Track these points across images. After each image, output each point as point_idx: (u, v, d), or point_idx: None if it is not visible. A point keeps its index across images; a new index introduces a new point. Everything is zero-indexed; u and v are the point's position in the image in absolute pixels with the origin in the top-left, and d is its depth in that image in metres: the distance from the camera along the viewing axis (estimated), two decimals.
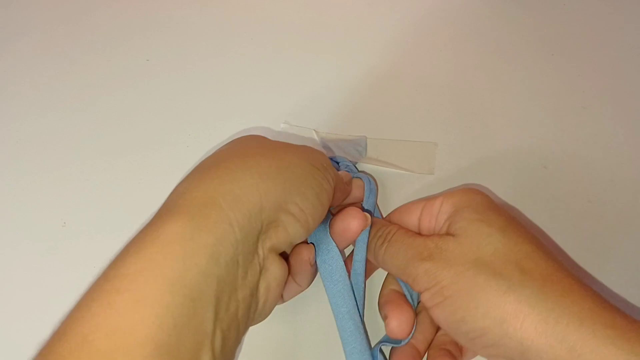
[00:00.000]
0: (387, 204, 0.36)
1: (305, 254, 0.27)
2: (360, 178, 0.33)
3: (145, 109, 0.42)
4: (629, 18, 0.49)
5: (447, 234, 0.27)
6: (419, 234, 0.29)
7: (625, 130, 0.40)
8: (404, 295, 0.29)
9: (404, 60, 0.45)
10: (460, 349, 0.28)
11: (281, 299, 0.29)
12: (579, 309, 0.22)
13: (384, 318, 0.28)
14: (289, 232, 0.25)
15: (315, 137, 0.39)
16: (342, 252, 0.29)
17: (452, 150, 0.39)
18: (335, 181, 0.28)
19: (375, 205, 0.33)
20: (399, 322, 0.27)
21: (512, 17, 0.49)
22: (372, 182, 0.34)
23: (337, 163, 0.37)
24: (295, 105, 0.42)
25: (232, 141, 0.28)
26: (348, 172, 0.35)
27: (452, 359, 0.27)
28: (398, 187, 0.37)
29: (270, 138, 0.29)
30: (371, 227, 0.30)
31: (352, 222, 0.29)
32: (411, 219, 0.30)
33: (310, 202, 0.25)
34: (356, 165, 0.38)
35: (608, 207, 0.35)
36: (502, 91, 0.43)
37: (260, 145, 0.27)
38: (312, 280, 0.30)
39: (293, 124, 0.41)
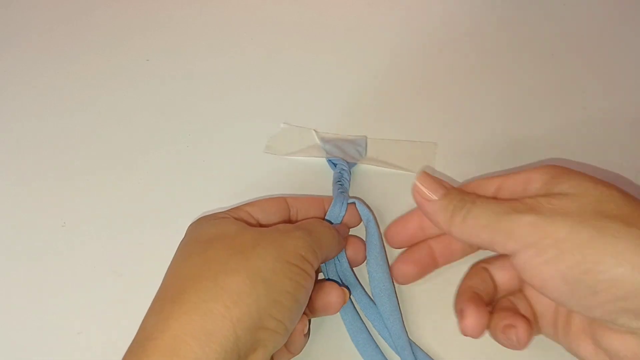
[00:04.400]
0: (387, 205, 0.36)
1: (299, 326, 0.26)
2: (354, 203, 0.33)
3: (145, 109, 0.42)
4: (629, 18, 0.49)
5: (551, 194, 0.24)
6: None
7: (625, 131, 0.40)
8: (482, 297, 0.27)
9: (404, 60, 0.45)
10: (529, 320, 0.26)
11: None
12: None
13: (459, 312, 0.26)
14: (268, 348, 0.23)
15: (315, 137, 0.39)
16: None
17: (452, 150, 0.39)
18: (320, 255, 0.27)
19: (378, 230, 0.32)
20: (474, 323, 0.25)
21: (512, 17, 0.49)
22: (365, 209, 0.32)
23: (335, 165, 0.37)
24: (295, 105, 0.42)
25: (190, 242, 0.26)
26: (340, 179, 0.35)
27: (527, 324, 0.25)
28: (398, 187, 0.37)
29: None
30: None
31: (331, 297, 0.28)
32: (486, 192, 0.27)
33: (288, 309, 0.24)
34: (354, 167, 0.38)
35: None
36: (502, 91, 0.43)
37: (226, 246, 0.25)
38: (304, 346, 0.28)
39: (293, 124, 0.41)
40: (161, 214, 0.36)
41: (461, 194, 0.27)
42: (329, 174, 0.37)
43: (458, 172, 0.37)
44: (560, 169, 0.26)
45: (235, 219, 0.28)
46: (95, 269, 0.33)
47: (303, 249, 0.25)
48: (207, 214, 0.29)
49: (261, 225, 0.29)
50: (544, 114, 0.41)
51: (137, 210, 0.36)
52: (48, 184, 0.38)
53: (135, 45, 0.47)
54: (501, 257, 0.29)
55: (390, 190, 0.36)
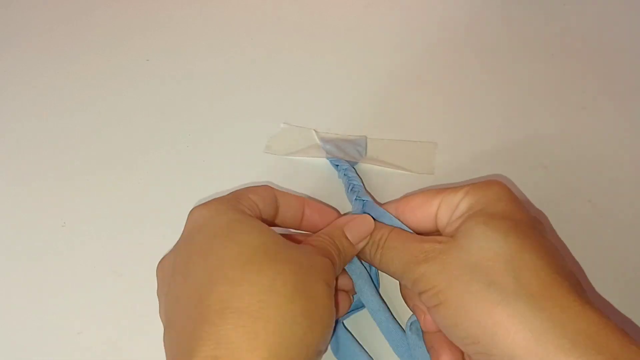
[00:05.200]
0: None
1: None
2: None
3: (145, 109, 0.42)
4: (629, 18, 0.49)
5: (450, 234, 0.26)
6: (417, 234, 0.28)
7: (625, 130, 0.40)
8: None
9: (404, 60, 0.46)
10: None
11: None
12: (573, 330, 0.21)
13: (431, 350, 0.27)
14: None
15: (315, 137, 0.39)
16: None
17: (452, 150, 0.39)
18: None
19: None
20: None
21: (512, 17, 0.49)
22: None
23: (337, 166, 0.37)
24: (295, 105, 0.42)
25: (223, 252, 0.24)
26: (346, 178, 0.35)
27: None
28: (398, 187, 0.37)
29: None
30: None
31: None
32: (430, 210, 0.29)
33: (324, 339, 0.24)
34: (355, 167, 0.37)
35: (608, 207, 0.35)
36: (502, 91, 0.43)
37: (262, 285, 0.22)
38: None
39: (293, 124, 0.41)
40: (161, 214, 0.36)
41: (373, 235, 0.29)
42: (330, 174, 0.37)
43: (458, 172, 0.37)
44: (484, 201, 0.26)
45: (245, 212, 0.26)
46: (95, 269, 0.33)
47: (326, 269, 0.25)
48: (203, 201, 0.27)
49: (263, 219, 0.28)
50: (544, 114, 0.41)
51: (137, 210, 0.36)
52: (48, 184, 0.37)
53: (135, 45, 0.47)
54: None
55: (390, 190, 0.36)
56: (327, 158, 0.38)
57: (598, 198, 0.36)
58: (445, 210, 0.28)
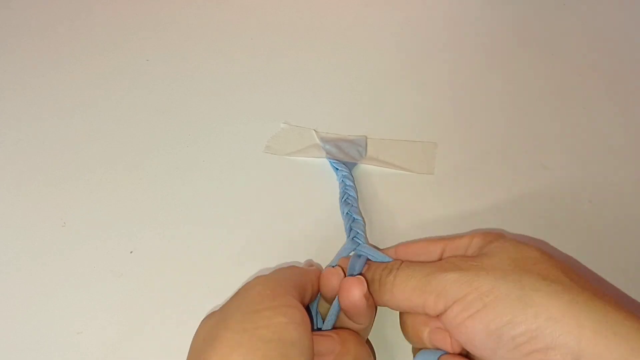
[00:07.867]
0: (387, 204, 0.36)
1: (356, 291, 0.25)
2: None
3: (145, 110, 0.42)
4: (629, 18, 0.49)
5: (477, 255, 0.25)
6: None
7: (626, 130, 0.40)
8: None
9: (404, 61, 0.46)
10: None
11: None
12: (632, 320, 0.21)
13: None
14: None
15: (315, 137, 0.39)
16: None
17: (452, 150, 0.39)
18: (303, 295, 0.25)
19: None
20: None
21: (512, 17, 0.49)
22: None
23: (337, 169, 0.37)
24: (295, 105, 0.42)
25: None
26: (342, 185, 0.35)
27: None
28: (398, 187, 0.37)
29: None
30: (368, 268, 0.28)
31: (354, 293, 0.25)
32: (431, 256, 0.28)
33: None
34: (355, 167, 0.38)
35: (608, 207, 0.35)
36: (502, 91, 0.43)
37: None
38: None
39: (293, 124, 0.41)
40: (161, 214, 0.36)
41: (383, 264, 0.27)
42: (330, 174, 0.37)
43: (458, 173, 0.37)
44: (493, 235, 0.27)
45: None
46: (95, 269, 0.33)
47: (298, 319, 0.23)
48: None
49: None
50: (544, 114, 0.41)
51: (137, 210, 0.36)
52: (48, 184, 0.37)
53: (135, 46, 0.47)
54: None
55: (390, 190, 0.36)
56: (328, 159, 0.38)
57: (598, 198, 0.36)
58: (451, 252, 0.27)
